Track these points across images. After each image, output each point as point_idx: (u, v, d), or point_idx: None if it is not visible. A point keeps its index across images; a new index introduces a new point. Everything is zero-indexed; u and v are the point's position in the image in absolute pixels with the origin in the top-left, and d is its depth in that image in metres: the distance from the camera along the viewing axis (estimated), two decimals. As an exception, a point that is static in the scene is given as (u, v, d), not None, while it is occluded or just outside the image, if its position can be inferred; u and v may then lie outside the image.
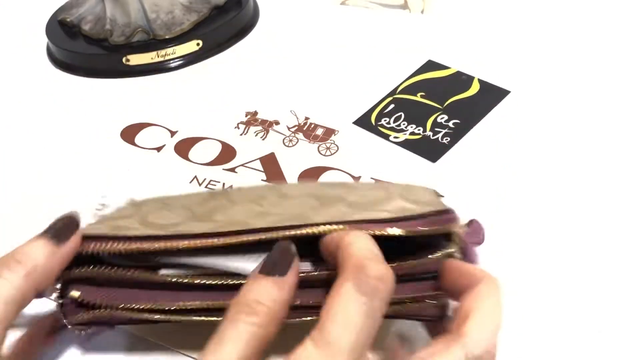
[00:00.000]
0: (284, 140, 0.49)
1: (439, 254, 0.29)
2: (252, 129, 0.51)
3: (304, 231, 0.29)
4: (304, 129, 0.50)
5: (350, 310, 0.24)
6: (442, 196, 0.34)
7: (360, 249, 0.26)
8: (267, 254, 0.28)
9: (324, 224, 0.29)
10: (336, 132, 0.49)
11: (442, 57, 0.56)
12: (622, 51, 0.55)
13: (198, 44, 0.59)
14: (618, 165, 0.45)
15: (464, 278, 0.28)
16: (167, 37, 0.59)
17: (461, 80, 0.53)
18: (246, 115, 0.52)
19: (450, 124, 0.49)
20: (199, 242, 0.29)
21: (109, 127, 0.52)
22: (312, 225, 0.29)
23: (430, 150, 0.47)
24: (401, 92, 0.53)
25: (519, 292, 0.37)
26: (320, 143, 0.48)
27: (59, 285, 0.31)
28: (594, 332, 0.35)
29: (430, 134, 0.48)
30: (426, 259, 0.29)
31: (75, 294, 0.30)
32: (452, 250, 0.29)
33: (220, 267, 0.30)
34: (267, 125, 0.51)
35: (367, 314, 0.24)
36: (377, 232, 0.28)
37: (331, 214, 0.30)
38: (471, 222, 0.33)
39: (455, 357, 0.24)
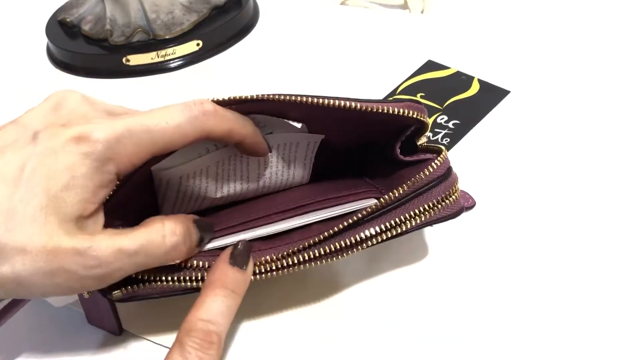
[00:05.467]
0: (284, 141, 0.49)
1: (436, 162, 0.34)
2: (252, 129, 0.50)
3: None
4: (304, 129, 0.50)
5: None
6: None
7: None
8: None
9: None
10: (336, 133, 0.49)
11: (442, 57, 0.56)
12: (621, 51, 0.55)
13: (198, 44, 0.59)
14: (618, 165, 0.45)
15: None
16: (167, 37, 0.59)
17: (461, 80, 0.53)
18: (246, 116, 0.52)
19: (450, 124, 0.49)
20: None
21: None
22: None
23: (430, 151, 0.47)
24: (401, 93, 0.53)
25: (519, 291, 0.37)
26: (321, 144, 0.48)
27: None
28: (592, 332, 0.35)
29: (430, 134, 0.48)
30: (427, 172, 0.34)
31: None
32: (442, 152, 0.35)
33: None
34: (267, 126, 0.51)
35: None
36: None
37: None
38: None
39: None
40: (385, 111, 0.34)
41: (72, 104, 0.31)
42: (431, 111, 0.50)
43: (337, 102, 0.33)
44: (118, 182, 0.30)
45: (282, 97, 0.32)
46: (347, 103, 0.33)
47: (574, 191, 0.43)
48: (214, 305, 0.31)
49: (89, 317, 0.37)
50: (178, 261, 0.32)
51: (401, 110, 0.34)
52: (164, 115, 0.30)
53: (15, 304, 0.35)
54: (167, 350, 0.36)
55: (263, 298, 0.37)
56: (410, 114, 0.35)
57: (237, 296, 0.31)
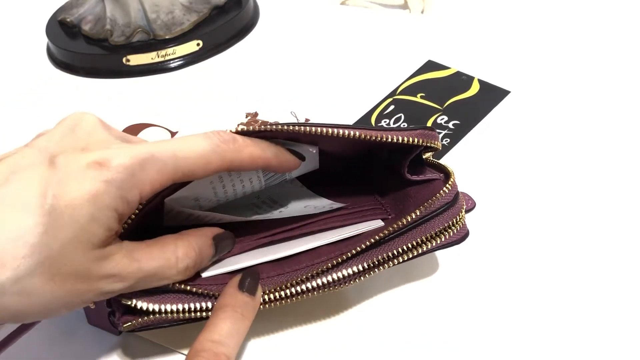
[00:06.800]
0: (284, 141, 0.49)
1: (443, 190, 0.34)
2: (252, 129, 0.51)
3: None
4: (304, 130, 0.50)
5: None
6: None
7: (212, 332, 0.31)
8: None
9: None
10: (336, 133, 0.49)
11: (442, 57, 0.56)
12: (621, 51, 0.55)
13: (198, 44, 0.59)
14: (617, 165, 0.45)
15: None
16: (167, 37, 0.59)
17: (461, 80, 0.53)
18: (246, 116, 0.52)
19: (450, 125, 0.49)
20: None
21: (109, 127, 0.52)
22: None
23: (430, 151, 0.47)
24: (401, 93, 0.53)
25: (519, 292, 0.37)
26: (321, 144, 0.48)
27: None
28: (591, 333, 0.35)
29: (430, 135, 0.48)
30: (438, 196, 0.34)
31: (128, 301, 0.31)
32: (451, 177, 0.36)
33: None
34: (267, 126, 0.51)
35: None
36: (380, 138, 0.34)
37: None
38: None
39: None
40: (400, 141, 0.34)
41: (89, 127, 0.30)
42: (431, 111, 0.50)
43: (350, 132, 0.33)
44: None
45: (296, 128, 0.32)
46: (362, 134, 0.33)
47: (574, 192, 0.43)
48: (223, 327, 0.31)
49: (89, 317, 0.37)
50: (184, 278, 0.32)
51: (415, 140, 0.35)
52: (186, 142, 0.30)
53: (26, 326, 0.35)
54: (167, 350, 0.36)
55: (271, 311, 0.36)
56: (423, 142, 0.35)
57: (246, 320, 0.32)
